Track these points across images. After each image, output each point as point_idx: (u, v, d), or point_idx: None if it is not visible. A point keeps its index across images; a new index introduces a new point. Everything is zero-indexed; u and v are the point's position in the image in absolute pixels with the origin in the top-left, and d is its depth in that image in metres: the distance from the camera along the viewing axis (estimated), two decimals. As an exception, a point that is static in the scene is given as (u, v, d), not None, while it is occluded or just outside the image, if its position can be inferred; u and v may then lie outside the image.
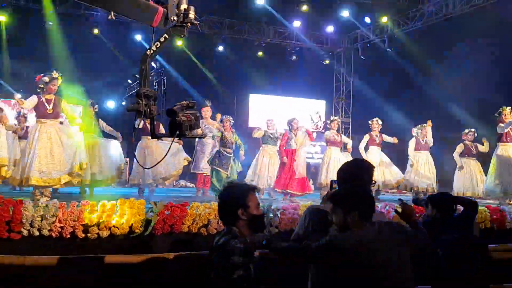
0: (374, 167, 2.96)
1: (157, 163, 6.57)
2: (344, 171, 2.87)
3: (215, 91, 14.97)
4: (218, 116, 9.30)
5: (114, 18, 2.41)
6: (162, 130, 7.16)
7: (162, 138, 2.76)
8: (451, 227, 3.85)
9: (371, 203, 2.74)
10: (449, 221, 3.93)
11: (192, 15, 2.52)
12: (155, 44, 2.51)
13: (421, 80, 13.80)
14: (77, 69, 11.71)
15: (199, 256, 4.42)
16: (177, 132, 2.47)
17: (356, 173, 2.81)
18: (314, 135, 10.71)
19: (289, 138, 8.83)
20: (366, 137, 9.94)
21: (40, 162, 6.53)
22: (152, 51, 2.52)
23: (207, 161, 8.81)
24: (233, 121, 8.92)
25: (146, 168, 7.62)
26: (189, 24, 2.53)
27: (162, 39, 2.52)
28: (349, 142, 10.12)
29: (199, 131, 2.63)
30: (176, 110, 2.46)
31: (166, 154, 3.72)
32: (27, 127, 9.28)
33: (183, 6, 2.51)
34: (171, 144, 2.79)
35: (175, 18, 2.50)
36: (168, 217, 4.71)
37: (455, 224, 3.94)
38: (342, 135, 10.25)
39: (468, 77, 11.71)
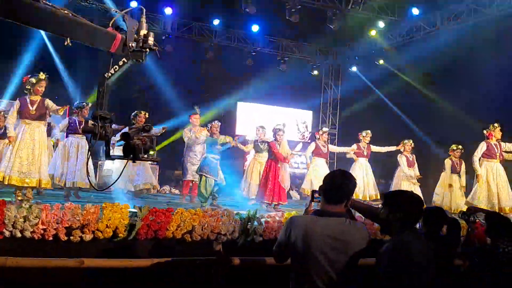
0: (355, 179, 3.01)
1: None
2: (329, 179, 2.91)
3: (202, 98, 14.96)
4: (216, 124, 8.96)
5: (70, 44, 2.43)
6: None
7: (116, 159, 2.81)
8: (438, 243, 3.87)
9: (417, 210, 2.89)
10: (436, 237, 3.94)
11: (151, 41, 2.57)
12: (113, 68, 2.55)
13: (410, 92, 13.94)
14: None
15: (181, 262, 4.43)
16: (131, 155, 2.52)
17: (340, 181, 2.85)
18: (300, 145, 10.77)
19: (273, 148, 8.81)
20: (353, 146, 10.04)
21: (20, 163, 6.53)
22: (110, 75, 2.55)
23: (196, 171, 8.77)
24: (219, 125, 8.85)
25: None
26: (147, 50, 2.58)
27: (120, 63, 2.56)
28: (336, 149, 10.21)
29: (153, 153, 2.69)
30: (130, 134, 2.51)
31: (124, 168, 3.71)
32: (6, 126, 9.23)
33: (143, 32, 2.56)
34: (126, 164, 2.80)
35: (133, 44, 2.54)
36: (152, 223, 4.70)
37: (442, 241, 3.96)
38: (329, 145, 10.33)
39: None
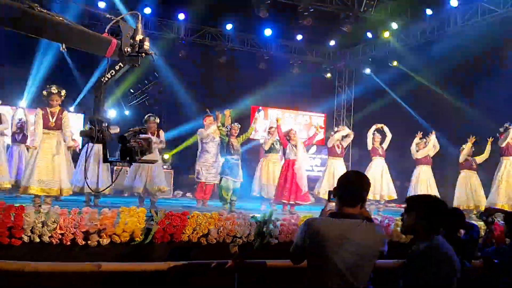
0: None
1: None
2: (343, 180, 2.91)
3: (216, 102, 15.00)
4: (227, 112, 9.12)
5: (65, 50, 2.47)
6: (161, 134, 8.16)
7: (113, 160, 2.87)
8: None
9: (443, 214, 2.91)
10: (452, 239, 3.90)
11: (146, 46, 2.60)
12: (110, 72, 2.59)
13: (424, 93, 13.84)
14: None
15: (198, 265, 4.45)
16: (128, 158, 2.57)
17: (355, 182, 2.85)
18: (314, 148, 10.76)
19: (289, 150, 8.81)
20: (370, 144, 10.01)
21: (40, 172, 6.59)
22: (106, 79, 2.59)
23: (216, 175, 8.81)
24: (239, 128, 8.90)
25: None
26: (143, 54, 2.61)
27: (117, 67, 2.60)
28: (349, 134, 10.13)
29: (150, 155, 2.75)
30: (126, 137, 2.56)
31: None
32: (24, 133, 9.43)
33: (139, 37, 2.59)
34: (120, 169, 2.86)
35: (129, 49, 2.57)
36: (168, 226, 4.73)
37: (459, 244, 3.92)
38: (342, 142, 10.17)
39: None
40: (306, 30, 14.39)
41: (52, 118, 6.81)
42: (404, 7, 12.97)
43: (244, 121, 15.79)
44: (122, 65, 2.60)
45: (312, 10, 12.20)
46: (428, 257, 2.75)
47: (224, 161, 8.55)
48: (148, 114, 8.42)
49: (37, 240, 4.29)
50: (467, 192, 9.69)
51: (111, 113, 17.39)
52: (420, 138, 10.09)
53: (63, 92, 6.87)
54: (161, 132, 8.34)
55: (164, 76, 15.20)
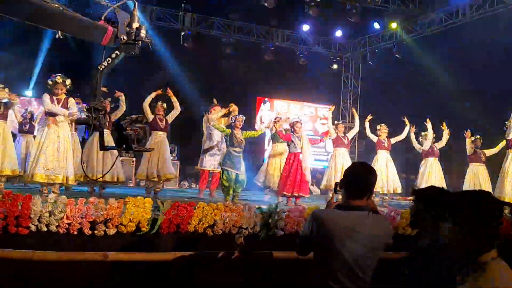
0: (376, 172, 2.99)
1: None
2: (349, 172, 2.90)
3: (222, 93, 14.99)
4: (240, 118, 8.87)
5: (61, 36, 2.47)
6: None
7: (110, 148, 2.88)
8: None
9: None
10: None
11: (143, 33, 2.59)
12: (107, 60, 2.59)
13: (430, 85, 13.75)
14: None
15: (203, 255, 4.47)
16: (124, 146, 2.59)
17: (361, 174, 2.84)
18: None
19: (292, 141, 8.76)
20: (374, 138, 9.94)
21: (46, 160, 6.60)
22: (103, 67, 2.59)
23: (218, 163, 8.82)
24: (243, 119, 8.88)
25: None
26: (140, 42, 2.61)
27: (113, 55, 2.59)
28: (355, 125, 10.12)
29: (147, 144, 2.77)
30: (122, 125, 2.59)
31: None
32: (32, 123, 9.42)
33: (135, 25, 2.58)
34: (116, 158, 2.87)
35: (125, 37, 2.57)
36: (174, 217, 4.74)
37: None
38: (347, 135, 10.13)
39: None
40: (312, 21, 14.31)
41: (58, 105, 6.82)
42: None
43: (250, 112, 15.85)
44: (118, 53, 2.60)
45: (318, 0, 12.12)
46: (431, 255, 2.74)
47: (226, 152, 8.51)
48: (155, 102, 8.50)
49: (44, 229, 4.31)
50: (475, 185, 9.65)
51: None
52: (415, 132, 10.04)
53: (68, 81, 6.86)
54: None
55: (169, 68, 15.15)
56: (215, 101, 9.76)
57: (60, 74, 6.89)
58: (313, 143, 9.44)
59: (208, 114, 9.49)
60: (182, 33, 13.94)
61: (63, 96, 6.88)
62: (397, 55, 14.32)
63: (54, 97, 6.83)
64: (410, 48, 13.99)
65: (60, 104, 6.83)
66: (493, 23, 11.29)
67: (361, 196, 2.80)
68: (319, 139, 10.25)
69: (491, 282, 1.94)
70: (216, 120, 9.06)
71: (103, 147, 2.75)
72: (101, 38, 2.54)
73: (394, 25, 13.68)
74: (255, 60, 15.34)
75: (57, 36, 2.44)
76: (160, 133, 8.35)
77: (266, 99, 16.34)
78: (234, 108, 9.23)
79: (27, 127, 9.40)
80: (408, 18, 13.41)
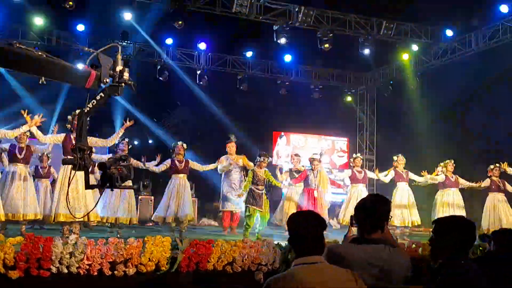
0: (390, 201, 2.97)
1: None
2: (360, 205, 2.89)
3: (238, 128, 15.12)
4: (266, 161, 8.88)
5: (44, 82, 2.57)
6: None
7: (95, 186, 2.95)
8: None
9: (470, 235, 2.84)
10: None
11: (126, 76, 2.68)
12: (91, 102, 2.68)
13: (446, 114, 13.69)
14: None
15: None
16: (108, 184, 2.66)
17: (371, 207, 2.83)
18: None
19: (308, 177, 8.78)
20: (391, 173, 9.84)
21: (66, 199, 6.69)
22: (88, 109, 2.69)
23: (244, 201, 8.84)
24: (270, 159, 8.93)
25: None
26: (123, 84, 2.70)
27: (98, 97, 2.68)
28: (375, 176, 10.05)
29: (129, 182, 2.83)
30: (106, 164, 2.64)
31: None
32: (49, 166, 9.48)
33: (119, 67, 2.68)
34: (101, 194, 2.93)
35: (107, 80, 2.66)
36: (194, 255, 4.74)
37: None
38: (367, 171, 10.18)
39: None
40: (325, 55, 14.47)
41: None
42: (424, 28, 12.97)
43: (266, 147, 15.92)
44: (103, 95, 2.69)
45: (331, 35, 12.28)
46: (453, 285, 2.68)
47: (249, 190, 8.55)
48: (174, 142, 8.61)
49: (65, 271, 4.35)
50: (495, 214, 9.47)
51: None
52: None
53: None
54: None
55: (186, 105, 15.40)
56: (232, 137, 9.82)
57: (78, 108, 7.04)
58: (333, 184, 9.42)
59: (226, 146, 9.59)
60: (198, 72, 14.20)
61: None
62: (410, 86, 14.32)
63: (72, 136, 6.95)
64: (423, 78, 14.00)
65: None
66: (506, 51, 11.29)
67: (375, 229, 2.78)
68: (339, 184, 10.18)
69: None
70: (229, 164, 9.18)
71: (88, 186, 2.81)
72: (84, 82, 2.63)
73: (405, 56, 13.75)
74: (271, 95, 15.49)
75: (40, 82, 2.55)
76: (181, 175, 8.41)
77: (283, 133, 16.39)
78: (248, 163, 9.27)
79: (45, 171, 9.43)
80: (420, 49, 13.46)
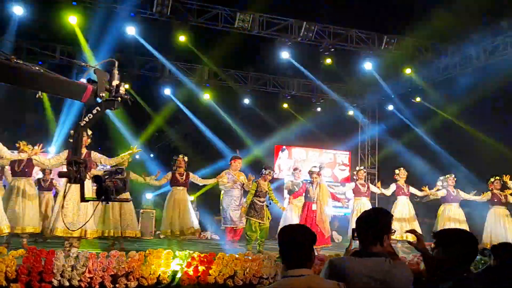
0: (392, 215, 2.98)
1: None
2: (362, 217, 2.90)
3: (241, 143, 15.17)
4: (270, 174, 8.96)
5: (41, 96, 2.61)
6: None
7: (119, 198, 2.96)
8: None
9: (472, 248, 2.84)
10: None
11: (122, 90, 2.73)
12: (88, 116, 2.71)
13: (449, 128, 13.72)
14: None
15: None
16: (103, 197, 2.67)
17: (374, 218, 2.84)
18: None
19: (308, 190, 8.78)
20: (392, 186, 9.83)
21: (66, 214, 6.70)
22: (84, 123, 2.72)
23: (245, 214, 8.83)
24: (274, 173, 8.95)
25: None
26: (119, 98, 2.73)
27: (94, 111, 2.71)
28: (377, 190, 10.03)
29: (125, 195, 2.83)
30: (101, 177, 2.66)
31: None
32: (52, 179, 9.52)
33: (115, 82, 2.72)
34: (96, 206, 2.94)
35: (103, 94, 2.70)
36: (195, 268, 4.74)
37: None
38: (370, 185, 10.16)
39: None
40: (327, 69, 14.54)
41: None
42: (426, 43, 13.04)
43: (268, 160, 15.95)
44: (99, 109, 2.72)
45: (332, 50, 12.37)
46: None
47: (250, 203, 8.57)
48: (175, 155, 8.63)
49: (67, 284, 4.35)
50: (497, 227, 9.43)
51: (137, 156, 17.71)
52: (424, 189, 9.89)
53: (89, 132, 7.03)
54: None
55: (188, 119, 15.47)
56: (237, 151, 9.87)
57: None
58: (334, 198, 9.41)
59: (230, 162, 9.59)
60: (201, 86, 14.31)
61: (84, 151, 7.04)
62: (412, 99, 14.39)
63: None
64: (425, 92, 14.05)
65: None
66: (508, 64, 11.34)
67: (375, 241, 2.78)
68: (339, 198, 10.15)
69: None
70: (233, 182, 9.21)
71: (83, 199, 2.83)
72: (81, 96, 2.67)
73: (408, 70, 13.81)
74: (273, 109, 15.55)
75: (37, 96, 2.58)
76: (180, 188, 8.42)
77: (284, 147, 16.42)
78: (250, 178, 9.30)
79: (47, 184, 9.47)
80: (422, 63, 13.53)
